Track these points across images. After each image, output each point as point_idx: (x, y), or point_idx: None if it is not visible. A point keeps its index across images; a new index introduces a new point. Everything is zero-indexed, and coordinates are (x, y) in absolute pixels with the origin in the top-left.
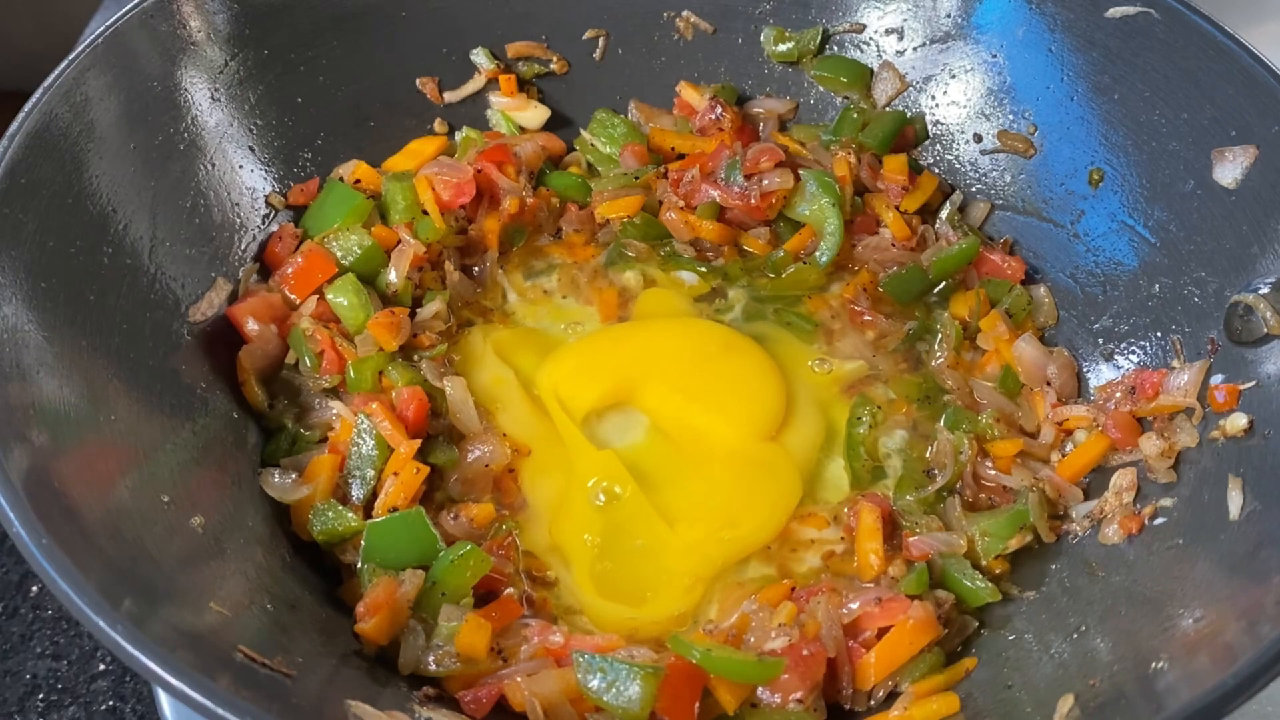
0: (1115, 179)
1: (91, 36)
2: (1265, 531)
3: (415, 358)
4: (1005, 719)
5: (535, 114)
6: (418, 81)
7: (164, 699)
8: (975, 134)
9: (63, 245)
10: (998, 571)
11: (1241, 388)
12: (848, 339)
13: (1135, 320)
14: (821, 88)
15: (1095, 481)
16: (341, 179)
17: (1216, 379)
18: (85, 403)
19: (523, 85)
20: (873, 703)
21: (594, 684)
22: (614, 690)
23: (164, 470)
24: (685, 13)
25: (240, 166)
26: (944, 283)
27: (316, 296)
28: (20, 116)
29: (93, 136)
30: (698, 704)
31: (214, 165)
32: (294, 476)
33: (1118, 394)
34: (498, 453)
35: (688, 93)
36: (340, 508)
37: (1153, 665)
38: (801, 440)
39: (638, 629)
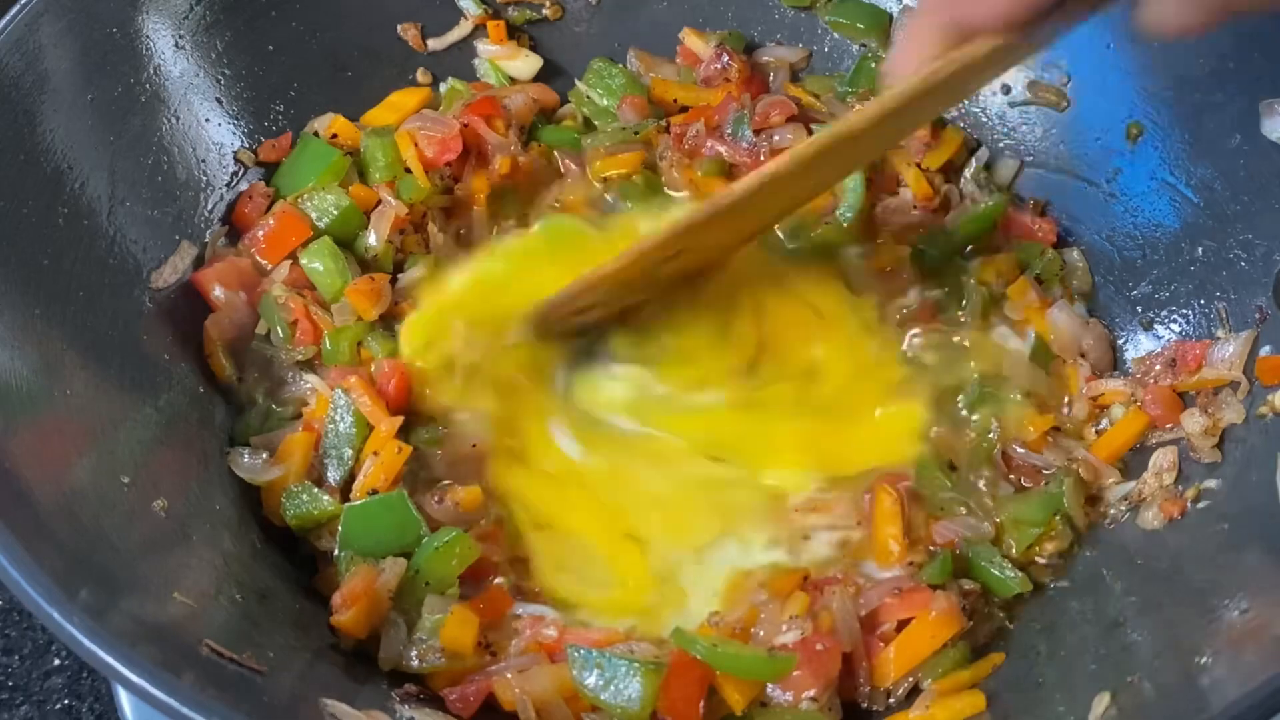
0: (1155, 134)
1: None
2: None
3: (397, 328)
4: (1036, 719)
5: (526, 63)
6: (399, 28)
7: (124, 697)
8: (1003, 85)
9: (14, 206)
10: (1028, 560)
11: None
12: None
13: (1176, 286)
14: (837, 34)
15: (1133, 462)
16: (316, 134)
17: (1265, 350)
18: (38, 377)
19: (513, 32)
20: (892, 701)
21: (590, 681)
22: (612, 688)
23: (124, 450)
24: None
25: (206, 120)
26: (969, 246)
27: (289, 261)
28: None
29: (46, 88)
30: (702, 702)
31: (178, 119)
32: (265, 456)
33: (1157, 367)
34: (487, 431)
35: (692, 40)
36: (315, 490)
37: (1196, 660)
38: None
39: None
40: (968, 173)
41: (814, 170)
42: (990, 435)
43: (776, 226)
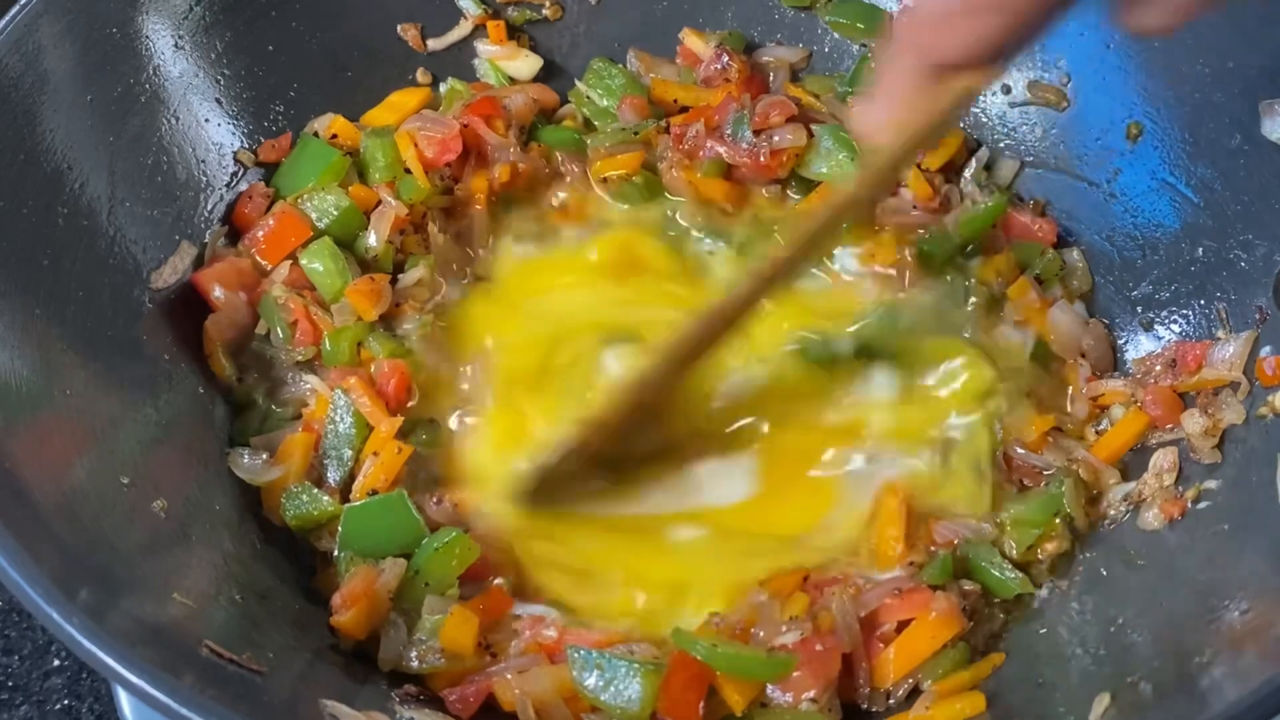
0: (1155, 133)
1: None
2: None
3: (396, 328)
4: (1035, 719)
5: (526, 64)
6: (399, 28)
7: (124, 697)
8: (1003, 85)
9: (14, 206)
10: (1028, 560)
11: None
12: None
13: (1177, 287)
14: (837, 34)
15: (1133, 462)
16: (316, 134)
17: (1265, 351)
18: (38, 376)
19: (512, 32)
20: (892, 702)
21: (590, 682)
22: (612, 688)
23: (124, 450)
24: None
25: (206, 120)
26: (969, 246)
27: (289, 262)
28: None
29: (46, 88)
30: (702, 703)
31: (177, 119)
32: (265, 457)
33: (1157, 367)
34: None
35: (691, 40)
36: (315, 490)
37: (1196, 661)
38: None
39: None
40: (968, 173)
41: (815, 248)
42: (990, 435)
43: (774, 229)
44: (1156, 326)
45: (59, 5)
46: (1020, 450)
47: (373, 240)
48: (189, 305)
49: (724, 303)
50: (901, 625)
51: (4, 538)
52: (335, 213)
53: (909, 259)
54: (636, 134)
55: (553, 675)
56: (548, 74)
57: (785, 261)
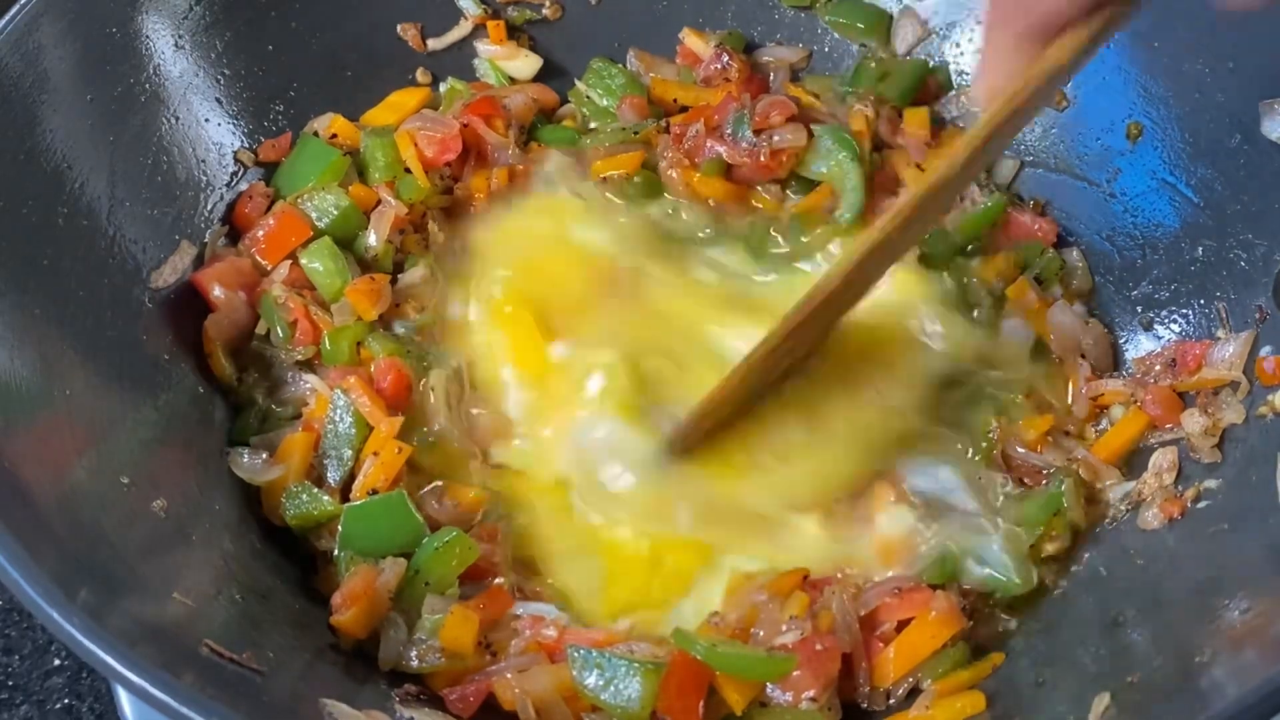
0: (1155, 133)
1: None
2: None
3: (397, 328)
4: (1035, 719)
5: (526, 63)
6: (399, 28)
7: (124, 697)
8: None
9: (13, 205)
10: (1028, 559)
11: None
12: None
13: (1177, 286)
14: (837, 34)
15: (1133, 462)
16: (316, 134)
17: (1265, 350)
18: (38, 376)
19: (512, 32)
20: (892, 701)
21: (590, 681)
22: (612, 688)
23: (124, 449)
24: None
25: (206, 120)
26: (969, 246)
27: (289, 261)
28: None
29: (46, 88)
30: (702, 703)
31: (178, 118)
32: (265, 456)
33: (1157, 367)
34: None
35: (692, 40)
36: (315, 490)
37: (1196, 660)
38: None
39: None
40: None
41: (918, 223)
42: (990, 435)
43: (773, 229)
44: (1156, 326)
45: (59, 5)
46: (1020, 450)
47: (373, 240)
48: (189, 305)
49: (822, 284)
50: (901, 624)
51: (4, 538)
52: (335, 212)
53: (909, 259)
54: (636, 134)
55: (553, 674)
56: (548, 74)
57: (880, 243)
